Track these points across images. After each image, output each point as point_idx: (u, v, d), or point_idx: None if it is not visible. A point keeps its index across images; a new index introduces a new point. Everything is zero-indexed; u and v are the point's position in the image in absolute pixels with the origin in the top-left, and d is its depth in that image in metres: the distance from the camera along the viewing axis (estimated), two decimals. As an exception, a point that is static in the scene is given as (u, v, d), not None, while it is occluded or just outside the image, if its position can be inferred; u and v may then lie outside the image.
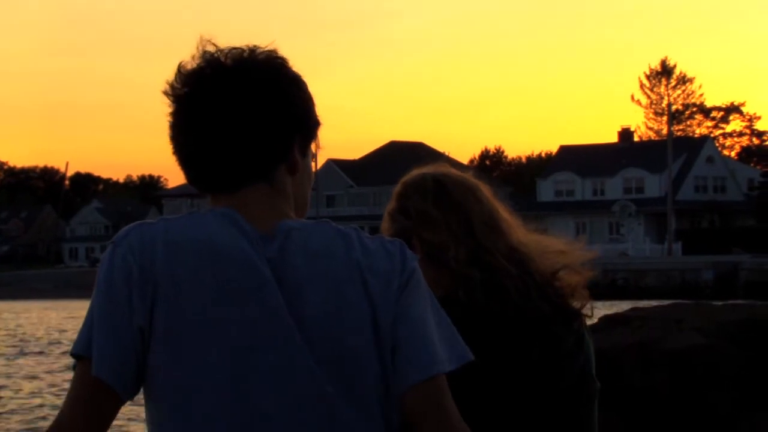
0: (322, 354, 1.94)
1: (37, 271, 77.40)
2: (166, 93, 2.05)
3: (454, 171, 2.73)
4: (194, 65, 2.04)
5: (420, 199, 2.65)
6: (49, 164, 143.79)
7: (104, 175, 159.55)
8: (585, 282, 2.69)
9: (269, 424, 1.91)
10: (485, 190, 2.71)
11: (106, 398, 1.92)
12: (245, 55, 2.04)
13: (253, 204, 2.01)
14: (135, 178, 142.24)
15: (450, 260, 2.59)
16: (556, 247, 2.69)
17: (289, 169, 2.05)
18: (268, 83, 2.02)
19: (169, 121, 2.06)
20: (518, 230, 2.69)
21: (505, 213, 2.70)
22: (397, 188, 2.72)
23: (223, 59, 2.03)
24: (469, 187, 2.68)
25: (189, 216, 1.99)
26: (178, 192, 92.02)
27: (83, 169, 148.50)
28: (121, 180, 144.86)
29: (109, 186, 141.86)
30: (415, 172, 2.72)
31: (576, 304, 2.65)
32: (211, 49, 2.04)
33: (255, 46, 2.06)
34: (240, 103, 2.01)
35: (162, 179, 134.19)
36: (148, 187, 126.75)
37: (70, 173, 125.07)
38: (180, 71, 2.04)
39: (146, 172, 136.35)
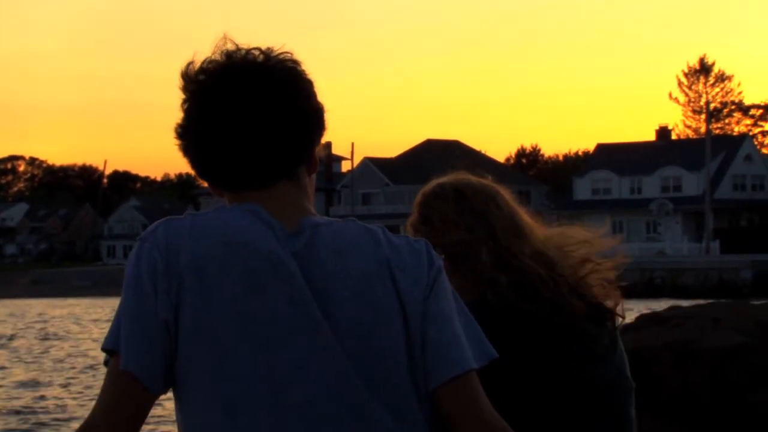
0: (350, 348, 1.95)
1: (76, 268, 77.74)
2: (185, 79, 2.04)
3: (472, 178, 2.74)
4: (217, 59, 2.04)
5: (443, 205, 2.66)
6: (88, 162, 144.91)
7: (142, 173, 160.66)
8: (615, 280, 2.69)
9: (298, 416, 1.92)
10: (505, 194, 2.73)
11: (136, 392, 1.93)
12: (261, 57, 2.04)
13: (278, 201, 2.03)
14: (172, 176, 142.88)
15: (476, 264, 2.59)
16: (579, 237, 2.69)
17: (309, 169, 2.09)
18: (294, 85, 2.04)
19: (187, 116, 2.05)
20: (540, 230, 2.70)
21: (525, 216, 2.71)
22: (417, 199, 2.74)
23: (249, 57, 2.04)
24: (488, 194, 2.70)
25: (215, 211, 2.01)
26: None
27: (121, 168, 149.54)
28: (159, 178, 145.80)
29: (147, 184, 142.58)
30: (434, 183, 2.74)
31: (609, 303, 2.65)
32: (231, 47, 2.05)
33: (269, 48, 2.06)
34: (272, 103, 2.02)
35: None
36: (185, 186, 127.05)
37: (108, 171, 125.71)
38: (201, 64, 2.04)
39: (183, 171, 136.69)
